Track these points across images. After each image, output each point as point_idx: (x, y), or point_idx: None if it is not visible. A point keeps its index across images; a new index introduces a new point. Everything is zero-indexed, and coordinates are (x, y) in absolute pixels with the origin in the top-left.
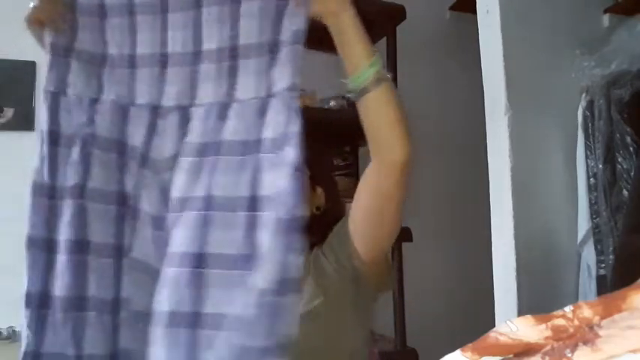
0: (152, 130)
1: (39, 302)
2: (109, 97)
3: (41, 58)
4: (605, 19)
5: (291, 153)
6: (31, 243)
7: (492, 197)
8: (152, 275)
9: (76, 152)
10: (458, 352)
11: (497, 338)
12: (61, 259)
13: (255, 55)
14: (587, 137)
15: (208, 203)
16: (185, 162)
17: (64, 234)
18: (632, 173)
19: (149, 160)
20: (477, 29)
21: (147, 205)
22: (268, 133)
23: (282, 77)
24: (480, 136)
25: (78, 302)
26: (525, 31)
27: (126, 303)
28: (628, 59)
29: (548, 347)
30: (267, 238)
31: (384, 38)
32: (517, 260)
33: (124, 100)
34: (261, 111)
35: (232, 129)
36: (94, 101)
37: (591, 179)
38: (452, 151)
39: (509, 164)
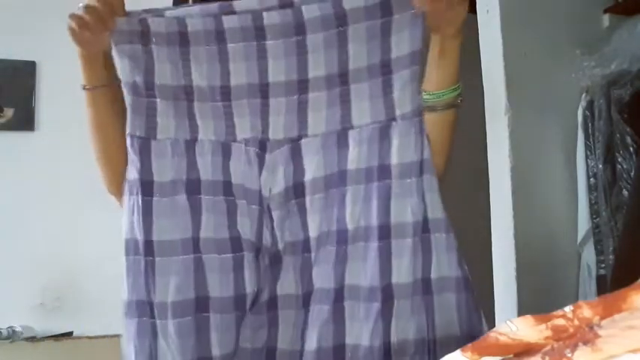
0: (260, 165)
1: None
2: (207, 136)
3: (41, 58)
4: (605, 19)
5: (431, 180)
6: (134, 308)
7: (492, 197)
8: (288, 317)
9: (181, 201)
10: (458, 352)
11: (497, 338)
12: (178, 322)
13: (367, 79)
14: (587, 137)
15: (342, 237)
16: (313, 200)
17: (176, 294)
18: (632, 173)
19: (261, 197)
20: (477, 29)
21: (266, 245)
22: (394, 159)
23: (403, 101)
24: (480, 136)
25: None
26: (525, 31)
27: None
28: (628, 59)
29: (548, 347)
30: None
31: None
32: (517, 260)
33: (223, 138)
34: (383, 136)
35: (355, 157)
36: (191, 142)
37: (591, 179)
38: (451, 150)
39: (509, 164)
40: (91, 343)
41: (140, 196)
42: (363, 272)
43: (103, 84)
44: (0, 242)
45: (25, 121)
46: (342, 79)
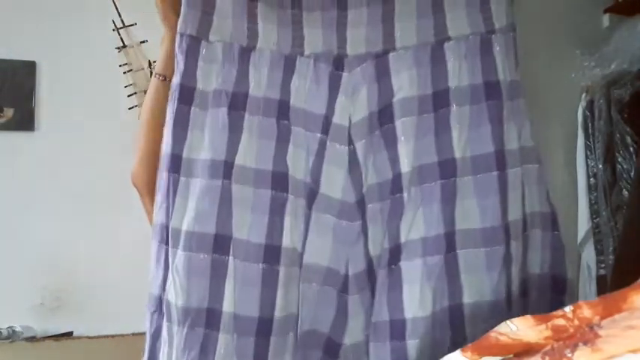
0: (334, 85)
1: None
2: (268, 45)
3: (41, 58)
4: (605, 19)
5: (525, 104)
6: (157, 231)
7: None
8: (327, 285)
9: (220, 116)
10: (458, 352)
11: (497, 338)
12: (187, 258)
13: None
14: (587, 137)
15: (447, 169)
16: (405, 124)
17: (192, 224)
18: (632, 173)
19: (331, 125)
20: None
21: (330, 188)
22: (501, 75)
23: (501, 12)
24: None
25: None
26: (525, 31)
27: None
28: (628, 59)
29: (548, 347)
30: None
31: None
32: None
33: (288, 50)
34: (486, 49)
35: (456, 72)
36: (247, 50)
37: (591, 179)
38: None
39: None
40: (91, 343)
41: (176, 103)
42: (477, 211)
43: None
44: (0, 242)
45: (25, 121)
46: None
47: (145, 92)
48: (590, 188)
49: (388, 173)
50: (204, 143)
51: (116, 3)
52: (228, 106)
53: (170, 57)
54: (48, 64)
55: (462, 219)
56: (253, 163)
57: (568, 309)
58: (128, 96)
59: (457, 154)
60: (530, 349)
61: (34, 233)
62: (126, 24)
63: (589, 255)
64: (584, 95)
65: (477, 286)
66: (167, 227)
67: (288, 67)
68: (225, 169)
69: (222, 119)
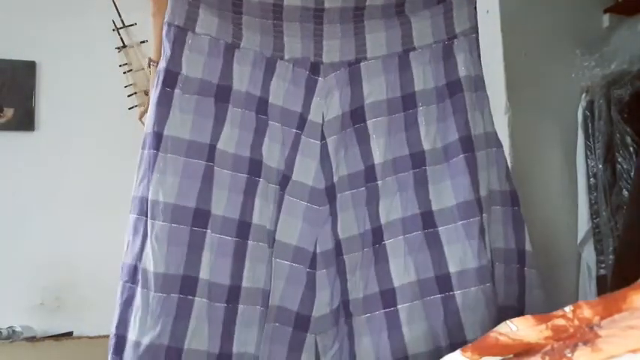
0: (310, 88)
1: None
2: (252, 46)
3: (41, 58)
4: (605, 19)
5: (486, 95)
6: (136, 203)
7: None
8: (297, 262)
9: (206, 104)
10: (458, 352)
11: (498, 338)
12: (166, 228)
13: (422, 4)
14: (587, 137)
15: (418, 159)
16: (376, 124)
17: (174, 197)
18: (632, 173)
19: (307, 122)
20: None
21: (302, 176)
22: (463, 73)
23: (463, 18)
24: None
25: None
26: (525, 31)
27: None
28: (628, 59)
29: (548, 347)
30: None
31: None
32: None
33: (270, 53)
34: (447, 54)
35: (421, 77)
36: (232, 47)
37: (591, 179)
38: None
39: (509, 164)
40: (91, 343)
41: (160, 85)
42: (450, 191)
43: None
44: (0, 242)
45: (25, 121)
46: (398, 7)
47: (145, 92)
48: (590, 188)
49: (360, 165)
50: (188, 125)
51: (116, 3)
52: (214, 96)
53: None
54: (48, 64)
55: (438, 199)
56: (233, 149)
57: (568, 309)
58: (128, 96)
59: (426, 147)
60: (530, 349)
61: (34, 233)
62: (126, 24)
63: (589, 255)
64: (584, 95)
65: (460, 255)
66: (147, 200)
67: (269, 68)
68: (209, 151)
69: (208, 107)
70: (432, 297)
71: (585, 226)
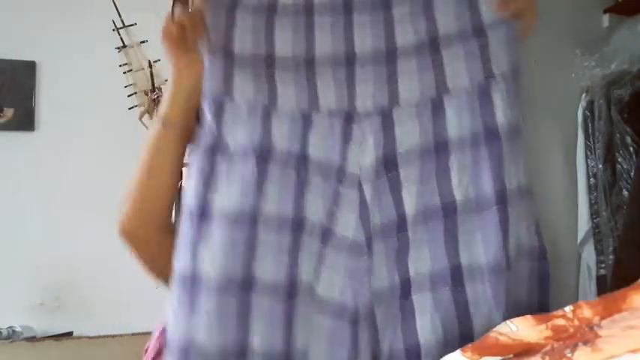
0: (346, 138)
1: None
2: (287, 104)
3: (41, 58)
4: (605, 19)
5: (524, 143)
6: (179, 281)
7: None
8: (338, 319)
9: (248, 168)
10: (458, 352)
11: (497, 338)
12: (214, 300)
13: (459, 42)
14: (587, 137)
15: (451, 208)
16: (408, 172)
17: (219, 269)
18: (632, 173)
19: (345, 173)
20: None
21: (343, 229)
22: (501, 118)
23: (501, 58)
24: None
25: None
26: None
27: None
28: (628, 59)
29: (548, 347)
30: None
31: None
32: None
33: (305, 108)
34: (484, 96)
35: (456, 122)
36: (269, 108)
37: (591, 179)
38: None
39: None
40: (91, 343)
41: (202, 156)
42: (480, 246)
43: (185, 124)
44: (0, 242)
45: (25, 121)
46: (432, 45)
47: (145, 92)
48: (590, 188)
49: (392, 215)
50: (233, 194)
51: (116, 3)
52: (255, 160)
53: (178, 103)
54: (48, 64)
55: (467, 253)
56: (276, 210)
57: (568, 309)
58: (128, 96)
59: (458, 197)
60: (530, 349)
61: (34, 233)
62: (126, 24)
63: (589, 255)
64: (584, 95)
65: (486, 317)
66: (191, 270)
67: (306, 123)
68: (253, 217)
69: (251, 173)
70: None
71: (585, 226)
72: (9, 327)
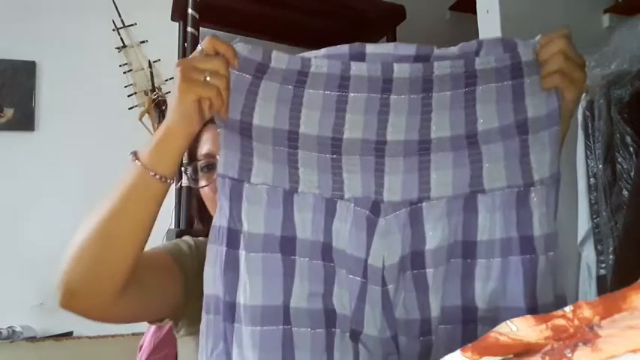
0: (371, 230)
1: None
2: (310, 188)
3: (41, 58)
4: (605, 19)
5: (556, 257)
6: None
7: None
8: None
9: (274, 262)
10: (458, 352)
11: (497, 338)
12: None
13: (500, 140)
14: (587, 137)
15: (471, 315)
16: (436, 273)
17: None
18: (632, 173)
19: (369, 267)
20: (477, 29)
21: (371, 328)
22: (537, 230)
23: (542, 164)
24: None
25: None
26: (525, 31)
27: None
28: (628, 59)
29: (548, 347)
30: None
31: (384, 38)
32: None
33: (329, 193)
34: (522, 203)
35: (487, 225)
36: (290, 193)
37: (591, 179)
38: None
39: None
40: (91, 343)
41: (225, 247)
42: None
43: (172, 177)
44: (0, 242)
45: (25, 121)
46: (470, 140)
47: (145, 92)
48: (590, 188)
49: (416, 314)
50: (259, 290)
51: (116, 3)
52: (280, 251)
53: (170, 156)
54: (48, 64)
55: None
56: (306, 305)
57: (568, 309)
58: (128, 96)
59: (480, 304)
60: (530, 349)
61: (34, 233)
62: (126, 24)
63: (589, 255)
64: (584, 95)
65: None
66: None
67: (329, 210)
68: (284, 313)
69: (276, 264)
70: None
71: (585, 226)
72: (9, 327)
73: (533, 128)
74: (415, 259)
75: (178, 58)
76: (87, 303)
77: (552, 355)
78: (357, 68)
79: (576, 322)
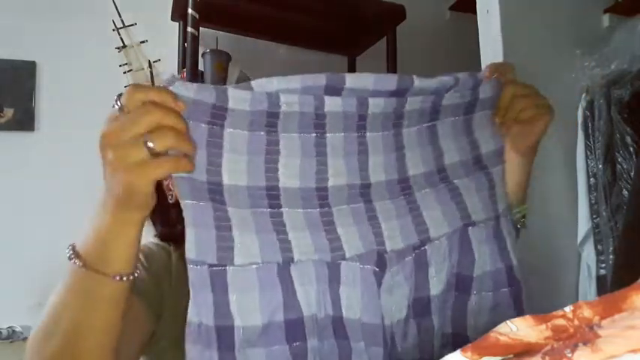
0: (380, 286)
1: None
2: (306, 254)
3: (41, 58)
4: (605, 19)
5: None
6: None
7: None
8: None
9: (279, 355)
10: (458, 352)
11: (498, 338)
12: None
13: (466, 174)
14: (587, 137)
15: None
16: (438, 318)
17: None
18: (632, 173)
19: (385, 336)
20: (477, 29)
21: None
22: (513, 261)
23: (502, 198)
24: None
25: None
26: (525, 31)
27: None
28: (628, 59)
29: (548, 347)
30: None
31: (384, 38)
32: (517, 260)
33: (329, 256)
34: (497, 236)
35: (480, 260)
36: (285, 266)
37: (591, 179)
38: None
39: None
40: None
41: (217, 352)
42: None
43: (134, 270)
44: (0, 242)
45: (25, 121)
46: (441, 175)
47: None
48: (590, 188)
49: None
50: None
51: (116, 3)
52: (285, 339)
53: (127, 252)
54: (48, 64)
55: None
56: None
57: (568, 309)
58: None
59: (470, 333)
60: (530, 349)
61: (34, 233)
62: (126, 24)
63: (589, 255)
64: (584, 95)
65: None
66: None
67: (334, 276)
68: None
69: (284, 357)
70: None
71: (585, 226)
72: (9, 327)
73: (490, 163)
74: (421, 309)
75: (178, 58)
76: None
77: (552, 355)
78: (331, 103)
79: (576, 322)
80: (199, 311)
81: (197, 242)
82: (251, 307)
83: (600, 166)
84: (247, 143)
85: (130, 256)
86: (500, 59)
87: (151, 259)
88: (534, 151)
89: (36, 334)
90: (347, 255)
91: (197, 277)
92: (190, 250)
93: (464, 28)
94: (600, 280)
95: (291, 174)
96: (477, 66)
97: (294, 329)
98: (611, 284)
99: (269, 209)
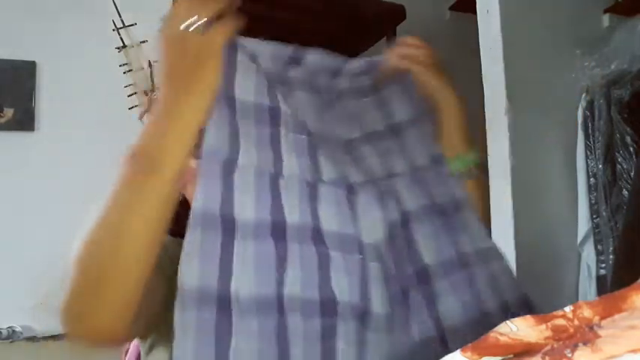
0: (353, 208)
1: None
2: (293, 171)
3: (41, 58)
4: (605, 19)
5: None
6: None
7: (492, 197)
8: None
9: (266, 248)
10: (458, 352)
11: (497, 338)
12: None
13: (380, 139)
14: (587, 137)
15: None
16: (421, 228)
17: None
18: (632, 173)
19: (363, 245)
20: (477, 29)
21: (378, 306)
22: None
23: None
24: (480, 136)
25: None
26: (525, 31)
27: None
28: (628, 59)
29: (548, 347)
30: None
31: (384, 38)
32: (517, 260)
33: (309, 176)
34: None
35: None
36: (275, 177)
37: (591, 179)
38: None
39: (510, 164)
40: None
41: (220, 237)
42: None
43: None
44: (0, 242)
45: (25, 121)
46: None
47: (145, 93)
48: (590, 188)
49: (409, 269)
50: (251, 279)
51: (116, 3)
52: (271, 235)
53: (181, 147)
54: (48, 64)
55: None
56: (300, 293)
57: (568, 309)
58: (128, 96)
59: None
60: (530, 349)
61: (34, 233)
62: (126, 24)
63: (589, 255)
64: (584, 95)
65: None
66: None
67: (313, 194)
68: (277, 302)
69: (269, 252)
70: None
71: (585, 226)
72: (9, 327)
73: (404, 128)
74: (403, 221)
75: None
76: (103, 323)
77: (552, 355)
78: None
79: (576, 322)
80: (206, 199)
81: (213, 137)
82: (248, 204)
83: (600, 166)
84: (255, 70)
85: (181, 152)
86: (500, 59)
87: (167, 245)
88: (443, 90)
89: (84, 243)
90: (324, 178)
91: (207, 167)
92: (208, 144)
93: (464, 28)
94: (600, 280)
95: (287, 99)
96: (477, 66)
97: (279, 230)
98: (611, 284)
99: (269, 127)
